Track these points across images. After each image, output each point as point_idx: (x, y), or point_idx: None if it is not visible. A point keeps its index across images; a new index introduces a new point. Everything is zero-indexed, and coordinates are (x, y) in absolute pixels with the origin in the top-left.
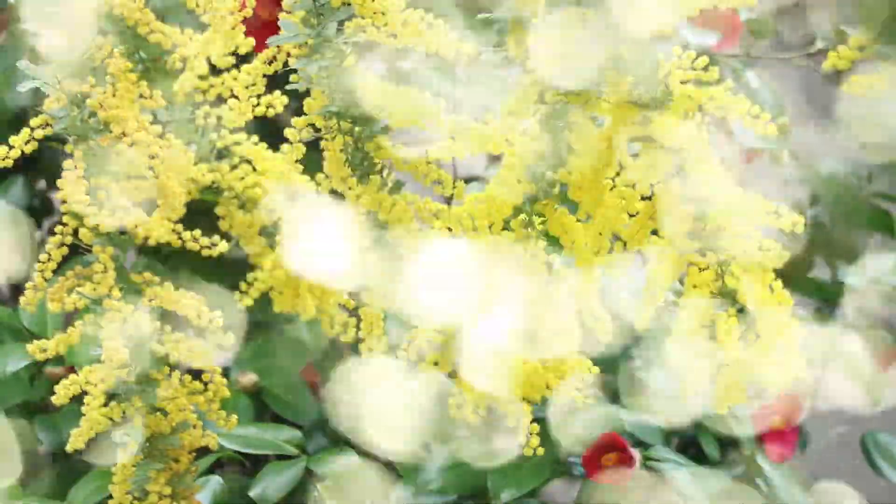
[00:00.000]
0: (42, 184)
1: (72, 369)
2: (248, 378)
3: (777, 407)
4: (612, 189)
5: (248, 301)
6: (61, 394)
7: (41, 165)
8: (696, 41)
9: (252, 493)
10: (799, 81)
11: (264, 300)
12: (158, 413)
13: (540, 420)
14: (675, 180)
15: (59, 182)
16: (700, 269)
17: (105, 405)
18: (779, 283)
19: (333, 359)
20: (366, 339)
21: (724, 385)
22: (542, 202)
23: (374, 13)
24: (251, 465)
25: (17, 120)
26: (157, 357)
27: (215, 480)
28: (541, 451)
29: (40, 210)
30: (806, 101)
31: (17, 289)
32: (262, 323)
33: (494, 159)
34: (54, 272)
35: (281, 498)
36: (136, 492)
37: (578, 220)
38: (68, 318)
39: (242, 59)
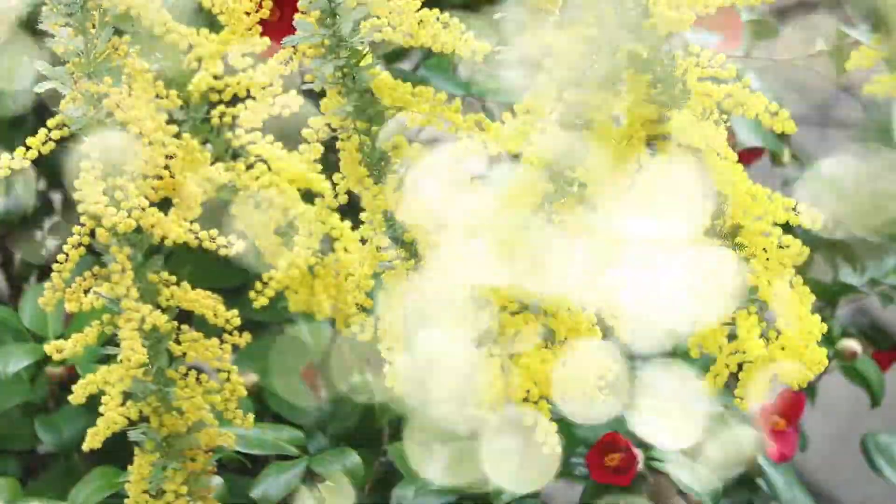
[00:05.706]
0: (42, 184)
1: (72, 369)
2: (249, 378)
3: (778, 407)
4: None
5: (263, 301)
6: (78, 393)
7: (42, 165)
8: (697, 42)
9: (253, 494)
10: (799, 82)
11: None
12: (175, 412)
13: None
14: (692, 177)
15: (75, 183)
16: None
17: (122, 404)
18: (799, 279)
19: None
20: (384, 338)
21: (746, 382)
22: (560, 201)
23: (390, 12)
24: (252, 465)
25: (19, 120)
26: (173, 356)
27: (216, 481)
28: (559, 450)
29: (41, 210)
30: (807, 102)
31: (17, 288)
32: (263, 323)
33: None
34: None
35: (282, 498)
36: (152, 490)
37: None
38: (68, 318)
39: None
